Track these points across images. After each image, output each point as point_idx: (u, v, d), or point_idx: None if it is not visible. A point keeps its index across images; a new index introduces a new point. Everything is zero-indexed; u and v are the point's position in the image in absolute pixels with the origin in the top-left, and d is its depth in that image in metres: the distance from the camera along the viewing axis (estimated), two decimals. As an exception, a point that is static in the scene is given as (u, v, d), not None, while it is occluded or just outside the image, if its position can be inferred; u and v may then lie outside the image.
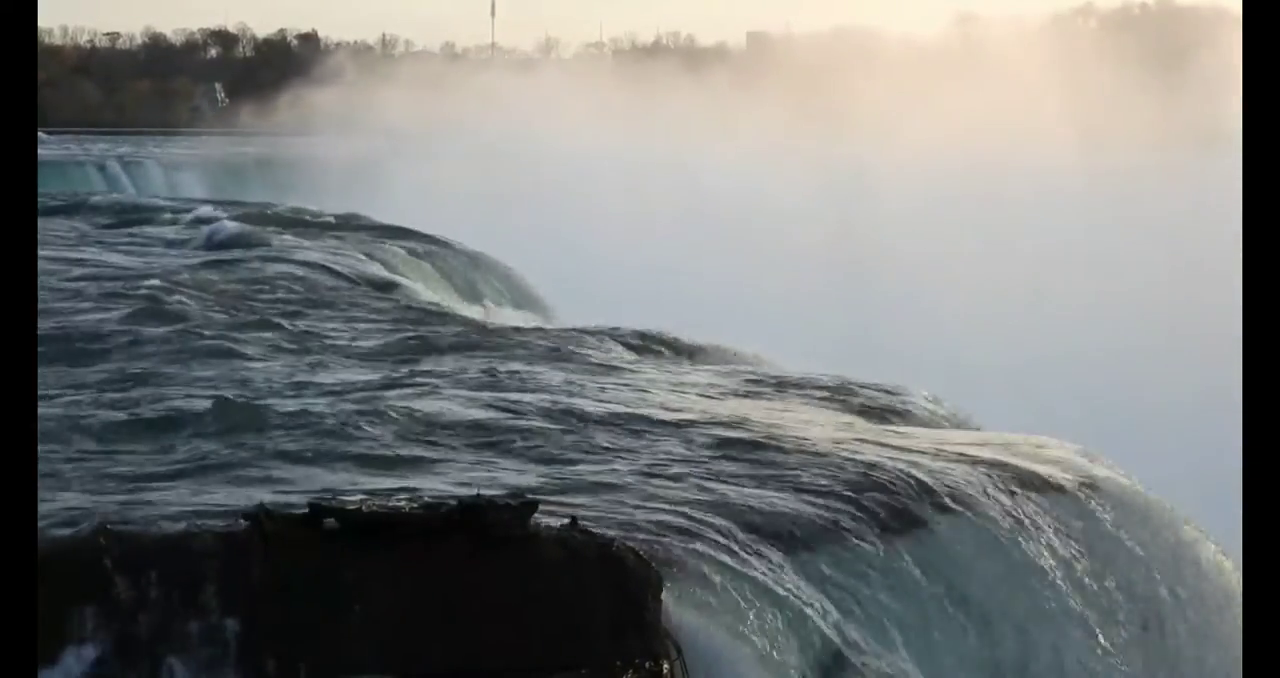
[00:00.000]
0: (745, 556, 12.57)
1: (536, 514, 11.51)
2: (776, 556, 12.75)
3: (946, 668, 12.89)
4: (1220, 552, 15.50)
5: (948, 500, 14.30)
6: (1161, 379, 44.28)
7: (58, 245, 32.02)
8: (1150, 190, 62.94)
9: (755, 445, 15.58)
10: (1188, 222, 56.49)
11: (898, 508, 13.95)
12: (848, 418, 17.55)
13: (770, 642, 11.78)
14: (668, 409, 17.16)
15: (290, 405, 16.28)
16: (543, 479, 13.85)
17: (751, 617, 11.88)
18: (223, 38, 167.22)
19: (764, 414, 17.24)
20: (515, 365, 19.20)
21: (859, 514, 13.70)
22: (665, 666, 11.27)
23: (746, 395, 18.52)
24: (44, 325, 20.55)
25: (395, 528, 11.20)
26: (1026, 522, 14.49)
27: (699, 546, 12.49)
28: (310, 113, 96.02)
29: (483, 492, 12.11)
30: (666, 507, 13.24)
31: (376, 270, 31.03)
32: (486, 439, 15.31)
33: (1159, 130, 68.63)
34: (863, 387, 19.17)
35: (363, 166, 72.40)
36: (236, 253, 31.45)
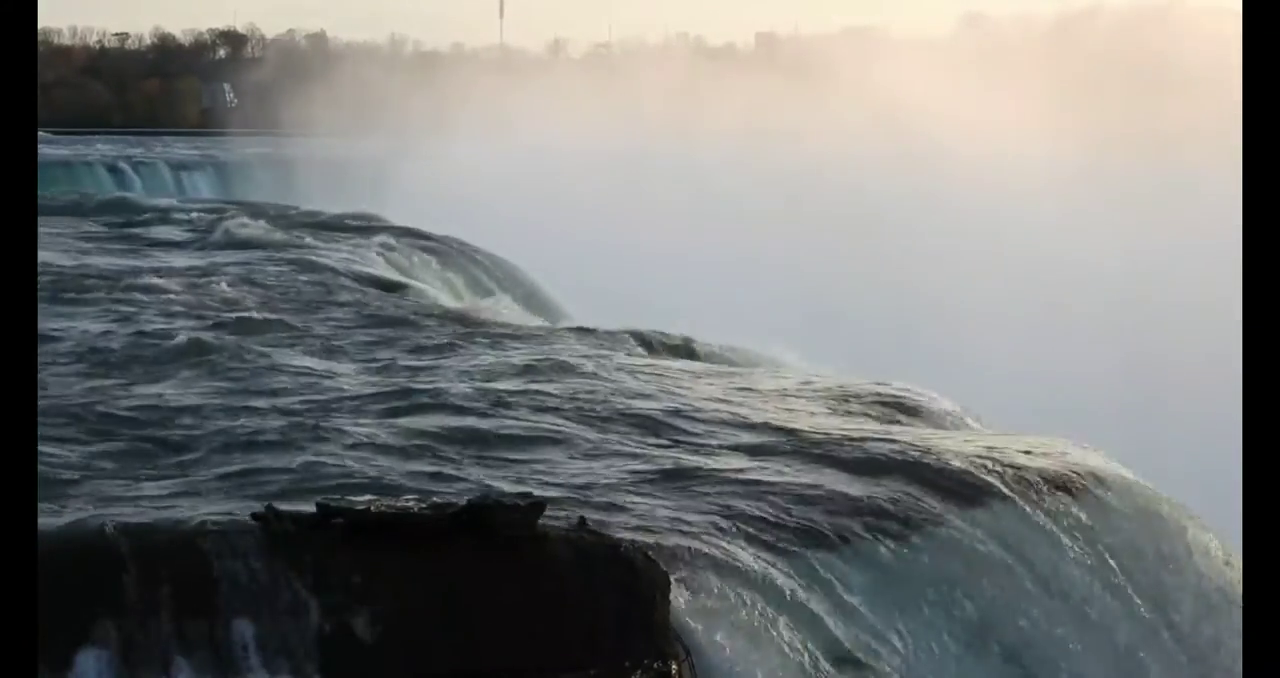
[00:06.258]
0: (754, 556, 12.60)
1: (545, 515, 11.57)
2: (785, 556, 12.78)
3: (955, 669, 12.90)
4: (1226, 549, 15.52)
5: (961, 502, 14.32)
6: (1180, 382, 44.21)
7: (67, 245, 32.06)
8: (1161, 191, 62.78)
9: (764, 446, 15.62)
10: (1200, 222, 56.32)
11: (910, 510, 13.97)
12: (861, 418, 17.56)
13: (779, 643, 11.80)
14: (677, 408, 17.19)
15: (299, 406, 16.32)
16: (554, 482, 13.90)
17: (760, 618, 11.90)
18: (231, 38, 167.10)
19: (775, 414, 17.27)
20: (536, 364, 19.28)
21: (870, 516, 13.72)
22: (674, 666, 11.31)
23: (759, 396, 18.54)
24: (52, 325, 20.63)
25: (404, 529, 11.24)
26: (1039, 522, 14.52)
27: (708, 546, 12.52)
28: (319, 113, 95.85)
29: (491, 492, 12.17)
30: (674, 507, 13.27)
31: (386, 271, 31.07)
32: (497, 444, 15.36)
33: (1170, 130, 68.43)
34: (876, 387, 19.18)
35: (372, 167, 72.37)
36: (245, 253, 31.51)
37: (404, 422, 15.74)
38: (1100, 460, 16.13)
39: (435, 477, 13.71)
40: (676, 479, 14.18)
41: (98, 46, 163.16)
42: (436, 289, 30.72)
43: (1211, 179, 51.11)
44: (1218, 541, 15.58)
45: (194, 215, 40.42)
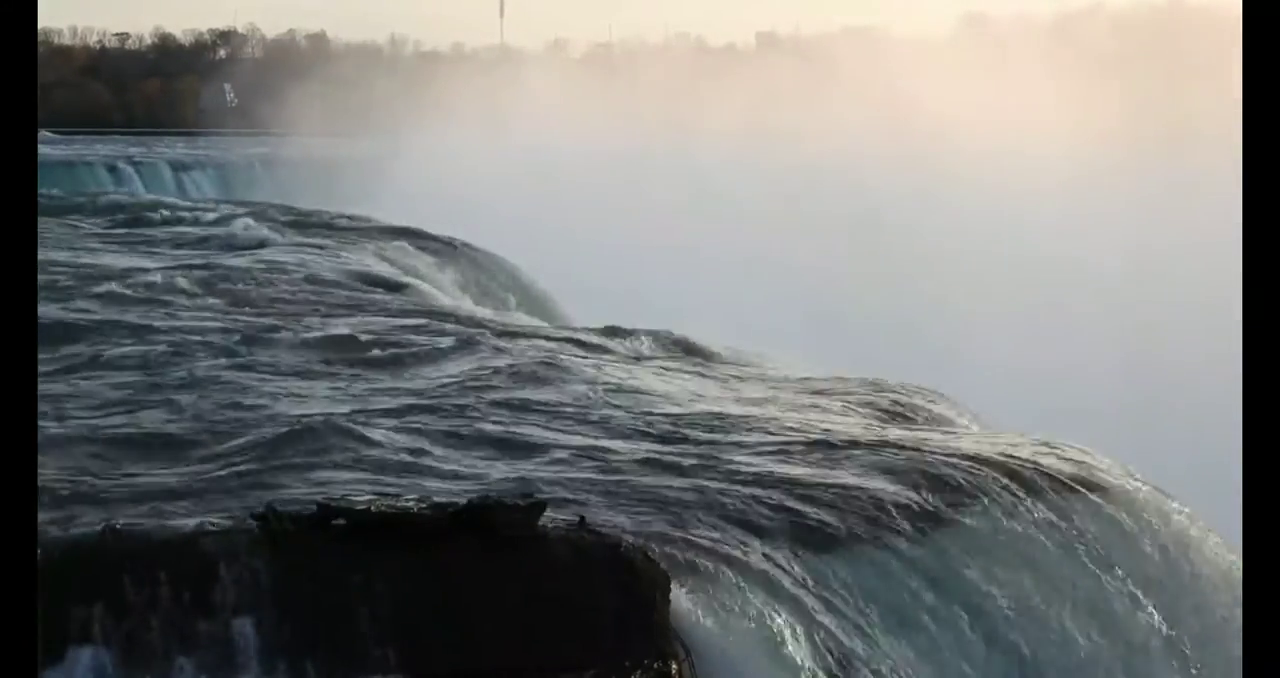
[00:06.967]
0: (754, 556, 12.60)
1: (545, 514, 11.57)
2: (785, 556, 12.78)
3: (955, 671, 12.90)
4: (1226, 548, 15.53)
5: (962, 503, 14.32)
6: (1180, 382, 44.19)
7: (67, 244, 32.05)
8: (1161, 190, 62.79)
9: (763, 446, 15.61)
10: (1200, 222, 56.32)
11: (911, 511, 13.97)
12: (862, 419, 17.55)
13: (779, 642, 11.80)
14: (674, 409, 17.19)
15: (300, 407, 16.33)
16: (554, 475, 13.90)
17: (760, 618, 11.90)
18: (232, 38, 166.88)
19: (774, 415, 17.27)
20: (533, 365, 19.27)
21: (870, 516, 13.72)
22: (673, 666, 11.30)
23: (759, 397, 18.54)
24: (53, 321, 20.62)
25: (404, 528, 11.24)
26: (1040, 523, 14.52)
27: (708, 546, 12.52)
28: (319, 113, 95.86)
29: (491, 492, 12.17)
30: (675, 507, 13.27)
31: (386, 271, 31.06)
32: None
33: (1170, 130, 68.45)
34: (878, 389, 19.17)
35: (372, 167, 72.37)
36: (245, 254, 31.49)
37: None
38: (1100, 461, 16.13)
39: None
40: (688, 474, 14.22)
41: (98, 46, 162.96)
42: (439, 289, 30.71)
43: (1211, 179, 51.14)
44: (1218, 540, 15.59)
45: (195, 214, 40.46)
